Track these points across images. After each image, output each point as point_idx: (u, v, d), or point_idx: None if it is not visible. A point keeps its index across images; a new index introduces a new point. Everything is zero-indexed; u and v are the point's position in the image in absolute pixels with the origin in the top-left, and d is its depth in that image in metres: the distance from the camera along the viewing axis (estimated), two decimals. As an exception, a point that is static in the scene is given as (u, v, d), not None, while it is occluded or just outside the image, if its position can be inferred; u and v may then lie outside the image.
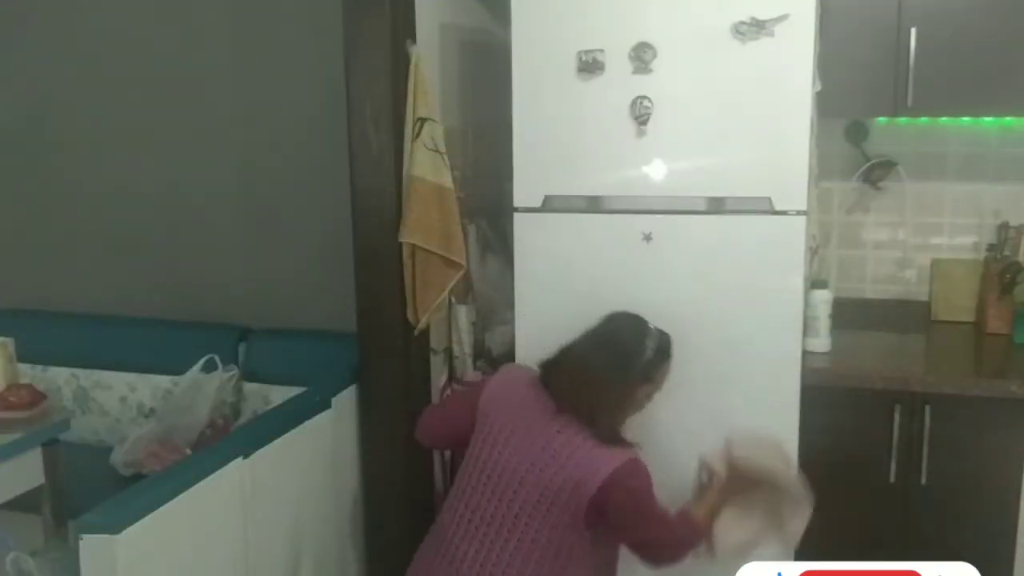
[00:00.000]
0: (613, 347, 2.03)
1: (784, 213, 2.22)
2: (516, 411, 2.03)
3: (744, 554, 1.95)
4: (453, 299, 2.62)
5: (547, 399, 2.00)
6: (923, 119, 2.68)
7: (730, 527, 2.04)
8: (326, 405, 2.44)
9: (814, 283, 2.43)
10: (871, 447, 2.35)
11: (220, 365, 3.05)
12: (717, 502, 2.06)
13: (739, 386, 2.31)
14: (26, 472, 2.51)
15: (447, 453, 2.70)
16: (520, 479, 1.94)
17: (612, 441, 1.95)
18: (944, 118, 2.68)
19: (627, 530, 1.98)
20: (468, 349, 2.66)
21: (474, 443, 2.05)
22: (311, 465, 2.39)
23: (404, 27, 2.37)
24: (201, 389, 3.00)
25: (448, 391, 2.68)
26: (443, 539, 2.01)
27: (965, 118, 2.68)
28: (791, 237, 2.23)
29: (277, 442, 2.24)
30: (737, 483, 2.06)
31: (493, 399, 2.08)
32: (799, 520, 2.03)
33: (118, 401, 3.26)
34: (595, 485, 1.88)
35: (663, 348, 2.08)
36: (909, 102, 2.42)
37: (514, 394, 2.07)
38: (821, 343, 2.43)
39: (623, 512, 1.93)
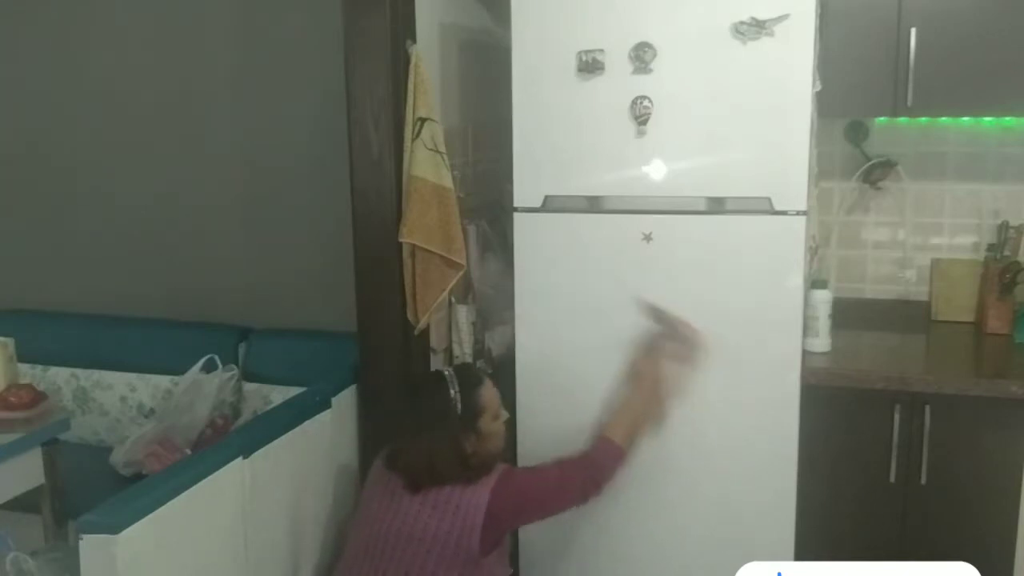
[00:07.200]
0: (428, 416, 2.11)
1: (784, 213, 2.22)
2: (382, 496, 2.13)
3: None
4: (453, 299, 2.62)
5: (401, 482, 2.10)
6: (923, 119, 2.68)
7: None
8: (326, 405, 2.43)
9: (814, 283, 2.43)
10: (871, 447, 2.35)
11: (220, 365, 3.05)
12: (633, 416, 2.18)
13: (739, 386, 2.31)
14: (26, 472, 2.51)
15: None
16: (406, 538, 2.04)
17: (475, 478, 2.05)
18: (944, 118, 2.68)
19: (541, 517, 2.15)
20: (468, 349, 2.66)
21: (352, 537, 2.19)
22: (311, 465, 2.39)
23: (404, 27, 2.36)
24: (201, 389, 3.00)
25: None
26: None
27: (965, 118, 2.68)
28: (791, 237, 2.23)
29: (277, 442, 2.24)
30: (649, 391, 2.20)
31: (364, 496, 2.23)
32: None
33: (118, 401, 3.26)
34: (481, 517, 2.00)
35: (467, 382, 2.14)
36: (909, 102, 2.42)
37: (375, 486, 2.19)
38: (821, 343, 2.43)
39: (527, 512, 2.13)
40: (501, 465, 2.13)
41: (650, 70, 2.24)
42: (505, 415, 2.22)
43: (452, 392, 2.10)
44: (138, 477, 2.74)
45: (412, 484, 2.07)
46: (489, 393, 2.17)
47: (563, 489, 2.10)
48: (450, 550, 2.00)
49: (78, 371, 3.31)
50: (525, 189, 2.39)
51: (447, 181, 2.40)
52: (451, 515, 2.01)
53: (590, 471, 2.10)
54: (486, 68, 2.67)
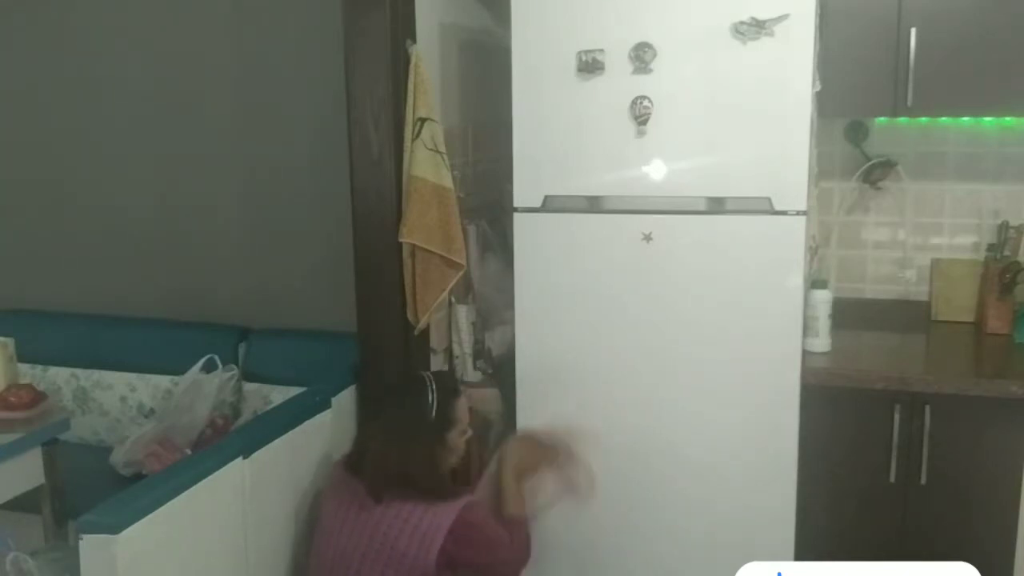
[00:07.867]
0: (401, 421, 2.10)
1: (784, 213, 2.22)
2: (340, 507, 2.11)
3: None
4: (453, 299, 2.62)
5: (363, 490, 2.06)
6: (923, 119, 2.68)
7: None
8: (326, 405, 2.43)
9: (814, 283, 2.43)
10: (871, 447, 2.35)
11: (220, 365, 3.05)
12: (516, 488, 2.19)
13: (739, 386, 2.31)
14: (26, 472, 2.51)
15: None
16: (361, 555, 2.03)
17: (442, 497, 2.04)
18: (944, 118, 2.68)
19: (484, 566, 2.09)
20: (468, 349, 2.66)
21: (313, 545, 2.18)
22: (311, 465, 2.39)
23: (404, 27, 2.36)
24: (201, 389, 3.00)
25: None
26: None
27: (965, 118, 2.68)
28: (791, 237, 2.23)
29: (277, 442, 2.23)
30: (523, 460, 2.25)
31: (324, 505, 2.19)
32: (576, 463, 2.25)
33: (118, 401, 3.26)
34: (441, 538, 1.98)
35: (445, 390, 2.13)
36: (909, 102, 2.42)
37: (335, 494, 2.16)
38: (821, 343, 2.43)
39: (477, 551, 2.06)
40: (466, 496, 2.11)
41: (650, 70, 2.23)
42: (469, 432, 2.20)
43: (430, 397, 2.09)
44: (138, 477, 2.74)
45: (375, 492, 2.05)
46: (464, 406, 2.18)
47: (512, 542, 2.13)
48: (405, 568, 2.00)
49: (78, 371, 3.31)
50: (525, 189, 2.39)
51: (447, 181, 2.40)
52: (409, 533, 2.00)
53: (521, 536, 2.17)
54: (486, 68, 2.67)
